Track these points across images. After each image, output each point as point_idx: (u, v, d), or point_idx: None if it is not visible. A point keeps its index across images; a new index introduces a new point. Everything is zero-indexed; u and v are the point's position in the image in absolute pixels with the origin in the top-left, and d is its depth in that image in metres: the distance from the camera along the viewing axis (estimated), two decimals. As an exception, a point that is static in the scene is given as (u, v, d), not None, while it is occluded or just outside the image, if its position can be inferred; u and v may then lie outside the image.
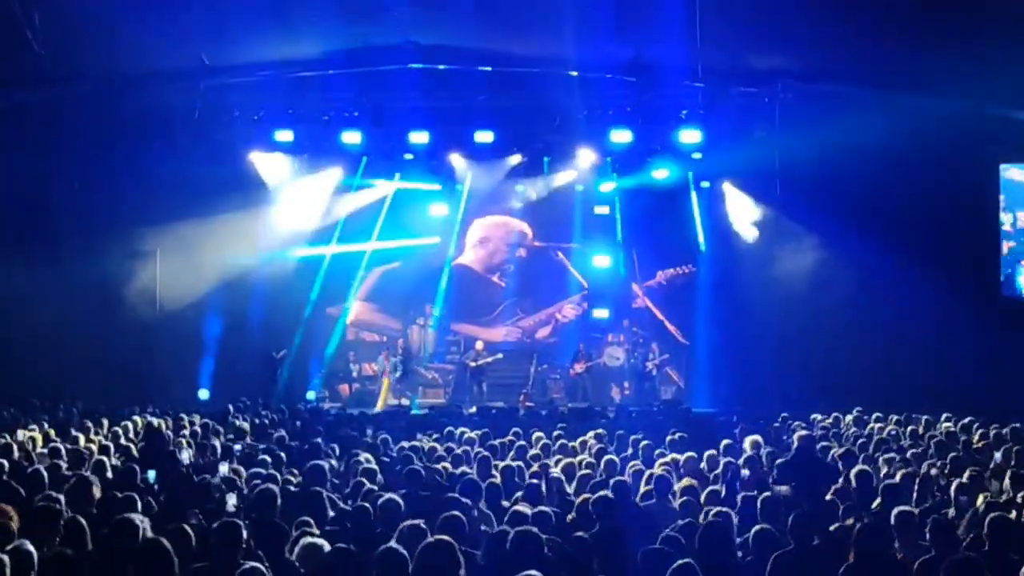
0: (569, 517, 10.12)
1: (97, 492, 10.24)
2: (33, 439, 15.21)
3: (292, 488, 11.55)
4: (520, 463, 13.06)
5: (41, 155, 23.84)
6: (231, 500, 10.44)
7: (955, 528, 9.36)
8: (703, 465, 13.61)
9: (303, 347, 27.84)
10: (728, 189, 27.23)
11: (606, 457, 13.05)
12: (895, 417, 18.60)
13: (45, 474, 11.23)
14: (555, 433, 16.36)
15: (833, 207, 24.31)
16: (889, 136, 22.67)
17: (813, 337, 24.88)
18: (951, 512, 10.69)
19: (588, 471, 12.77)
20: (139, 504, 9.69)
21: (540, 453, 14.59)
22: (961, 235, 24.49)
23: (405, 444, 15.54)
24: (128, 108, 23.35)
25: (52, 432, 16.22)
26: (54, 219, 24.68)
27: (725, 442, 14.77)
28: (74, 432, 15.89)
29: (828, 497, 11.08)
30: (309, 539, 8.11)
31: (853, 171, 23.79)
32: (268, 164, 26.88)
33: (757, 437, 14.79)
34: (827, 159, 23.56)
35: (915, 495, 11.55)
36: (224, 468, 12.76)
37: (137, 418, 18.61)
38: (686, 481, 11.70)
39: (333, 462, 13.56)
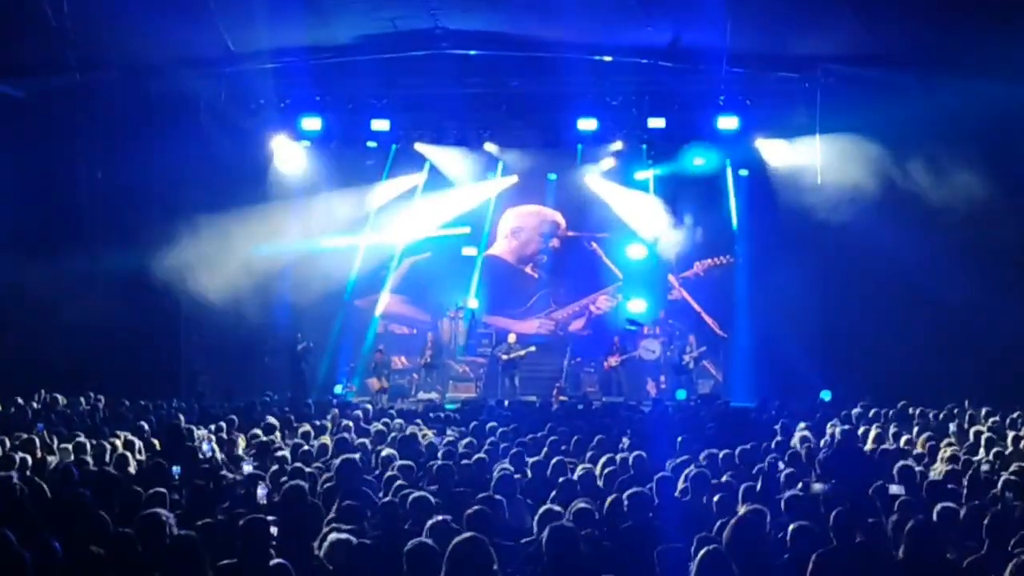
0: (599, 514, 10.08)
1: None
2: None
3: (321, 484, 11.53)
4: (556, 458, 12.97)
5: (66, 144, 23.85)
6: (261, 491, 10.46)
7: (1008, 527, 9.22)
8: (741, 462, 13.45)
9: (336, 339, 28.06)
10: (768, 177, 26.82)
11: (635, 453, 13.00)
12: (939, 411, 18.54)
13: (75, 471, 11.31)
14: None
15: (877, 195, 24.04)
16: (937, 123, 22.44)
17: (855, 329, 24.67)
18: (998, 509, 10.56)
19: (613, 467, 12.71)
20: (168, 500, 9.76)
21: (571, 448, 14.59)
22: (1012, 225, 24.12)
23: (436, 439, 15.51)
24: (153, 96, 23.41)
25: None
26: (80, 209, 24.74)
27: (777, 439, 14.66)
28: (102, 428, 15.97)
29: (870, 493, 10.98)
30: (337, 535, 8.12)
31: (897, 159, 23.51)
32: (295, 152, 26.91)
33: (806, 432, 14.72)
34: (871, 147, 23.35)
35: (964, 492, 11.42)
36: (249, 463, 12.74)
37: (162, 412, 18.72)
38: (723, 478, 11.66)
39: (362, 457, 13.51)
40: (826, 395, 22.12)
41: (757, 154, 26.54)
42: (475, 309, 29.65)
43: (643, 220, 28.85)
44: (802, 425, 16.85)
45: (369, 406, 21.90)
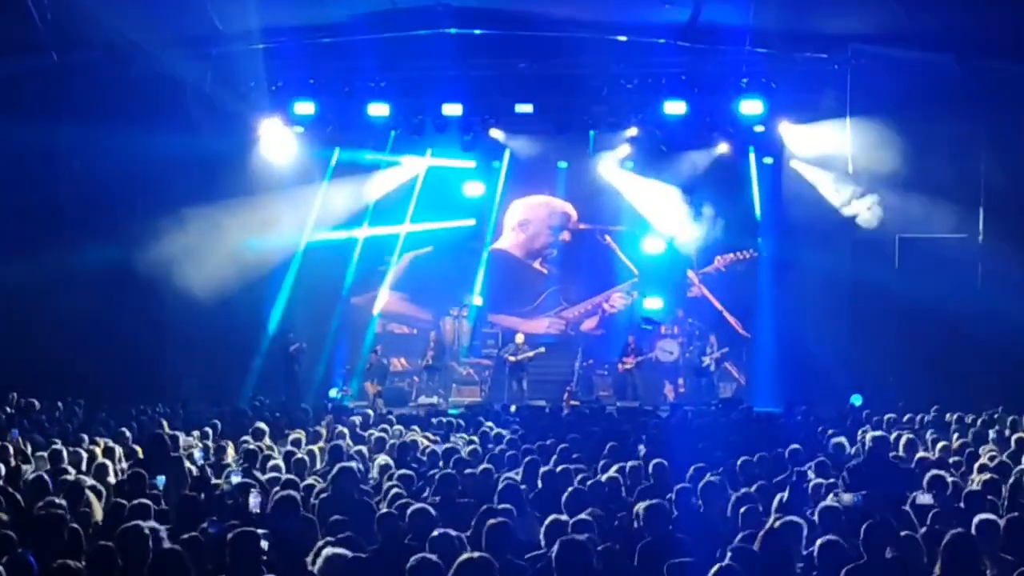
0: (614, 526, 10.11)
1: (96, 501, 10.28)
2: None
3: (316, 495, 11.56)
4: (565, 466, 13.06)
5: (41, 130, 23.65)
6: (253, 500, 10.48)
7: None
8: (766, 471, 13.46)
9: (331, 339, 28.12)
10: (794, 165, 26.87)
11: (654, 461, 13.00)
12: (978, 416, 18.46)
13: (51, 481, 11.33)
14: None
15: (908, 183, 24.02)
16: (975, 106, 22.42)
17: (887, 328, 24.69)
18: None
19: (629, 477, 12.84)
20: (152, 512, 9.78)
21: (585, 457, 14.58)
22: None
23: (438, 446, 15.59)
24: (135, 78, 23.32)
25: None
26: (57, 200, 24.66)
27: (792, 446, 14.66)
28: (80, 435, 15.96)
29: (904, 506, 10.96)
30: (332, 550, 8.13)
31: (931, 143, 23.48)
32: (287, 138, 26.89)
33: (836, 438, 14.70)
34: (905, 132, 23.37)
35: (1004, 503, 11.41)
36: (239, 473, 12.80)
37: (145, 418, 18.75)
38: (748, 488, 11.68)
39: (359, 466, 13.52)
40: (856, 399, 22.01)
41: (782, 140, 26.53)
42: (480, 307, 29.67)
43: (660, 212, 28.84)
44: (831, 432, 16.87)
45: (370, 411, 21.98)
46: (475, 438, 16.84)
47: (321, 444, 15.93)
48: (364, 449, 15.07)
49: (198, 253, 24.34)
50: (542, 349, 27.79)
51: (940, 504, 10.95)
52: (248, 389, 24.87)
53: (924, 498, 10.96)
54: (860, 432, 17.06)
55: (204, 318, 24.84)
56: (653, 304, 28.97)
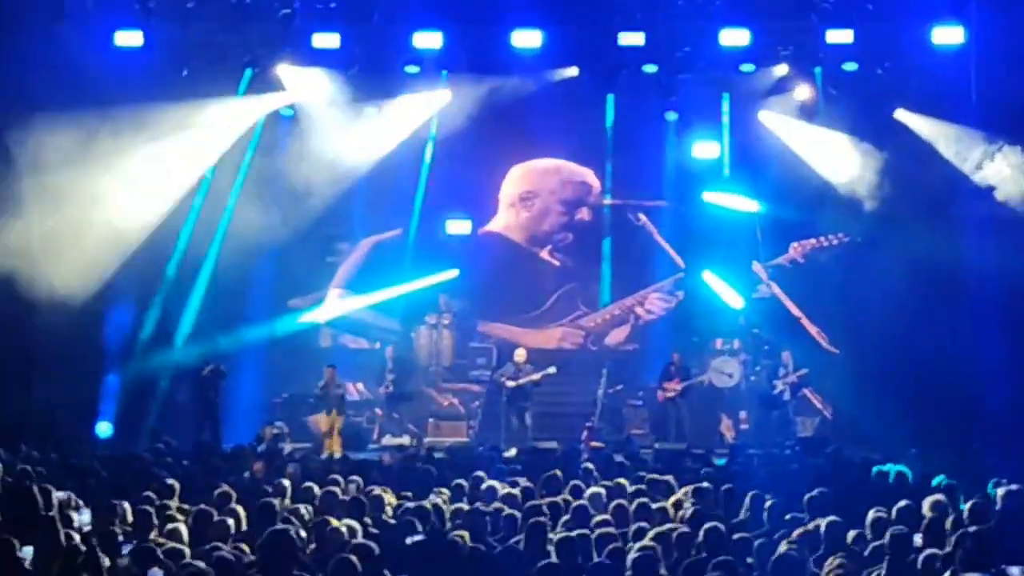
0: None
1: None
2: None
3: (241, 570, 11.57)
4: (584, 532, 13.06)
5: None
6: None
7: None
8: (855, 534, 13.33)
9: (261, 358, 28.27)
10: (901, 116, 27.09)
11: (708, 525, 12.98)
12: None
13: None
14: (632, 489, 16.49)
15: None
16: None
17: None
18: None
19: (674, 546, 12.78)
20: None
21: (611, 519, 14.50)
22: None
23: (409, 505, 15.53)
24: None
25: None
26: None
27: (902, 503, 14.59)
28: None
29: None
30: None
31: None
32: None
33: (940, 496, 14.64)
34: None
35: None
36: (132, 543, 12.72)
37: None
38: (833, 561, 11.68)
39: (300, 531, 13.54)
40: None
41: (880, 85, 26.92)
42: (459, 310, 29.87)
43: (716, 181, 29.28)
44: (946, 483, 16.72)
45: (324, 455, 22.21)
46: (460, 493, 16.83)
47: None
48: (306, 508, 15.05)
49: (74, 227, 24.28)
50: (552, 370, 27.59)
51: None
52: (147, 425, 24.97)
53: (1015, 571, 11.06)
54: (992, 484, 17.07)
55: (80, 327, 24.83)
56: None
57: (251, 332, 28.38)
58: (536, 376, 27.37)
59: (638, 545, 12.62)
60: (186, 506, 15.69)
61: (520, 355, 27.79)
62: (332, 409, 27.07)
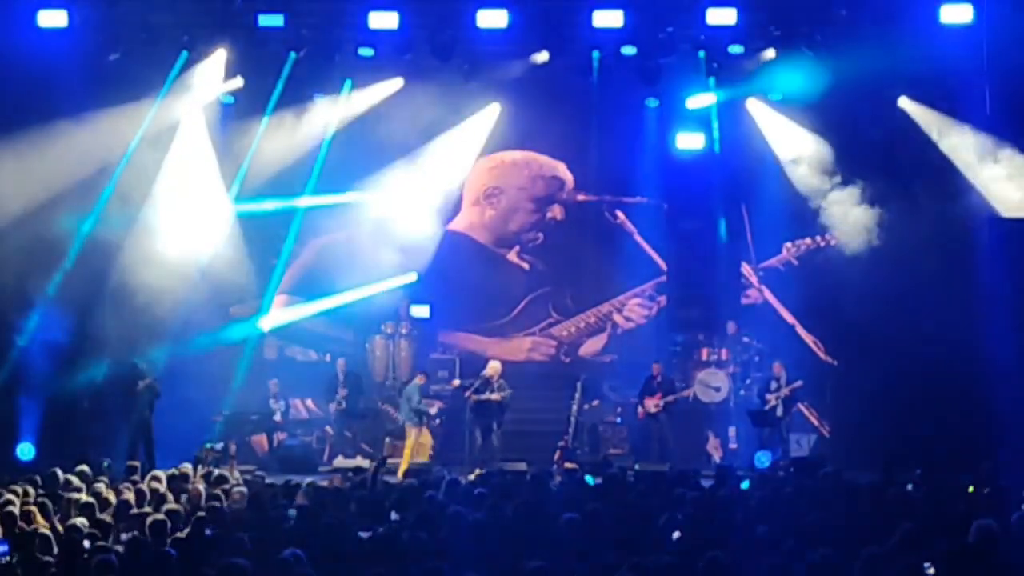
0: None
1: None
2: None
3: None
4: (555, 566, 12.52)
5: None
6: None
7: None
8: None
9: (194, 369, 27.44)
10: (903, 105, 27.01)
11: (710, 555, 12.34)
12: None
13: None
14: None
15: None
16: None
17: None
18: None
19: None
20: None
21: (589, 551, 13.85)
22: None
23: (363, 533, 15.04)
24: None
25: None
26: None
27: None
28: None
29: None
30: None
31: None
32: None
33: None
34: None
35: None
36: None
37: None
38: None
39: (242, 561, 12.69)
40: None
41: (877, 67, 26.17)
42: (426, 319, 29.55)
43: (700, 175, 29.07)
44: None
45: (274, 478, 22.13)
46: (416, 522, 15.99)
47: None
48: (247, 537, 14.30)
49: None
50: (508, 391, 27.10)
51: None
52: (73, 445, 24.24)
53: None
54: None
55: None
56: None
57: (188, 342, 27.73)
58: (502, 394, 26.74)
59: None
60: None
61: (493, 369, 27.10)
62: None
